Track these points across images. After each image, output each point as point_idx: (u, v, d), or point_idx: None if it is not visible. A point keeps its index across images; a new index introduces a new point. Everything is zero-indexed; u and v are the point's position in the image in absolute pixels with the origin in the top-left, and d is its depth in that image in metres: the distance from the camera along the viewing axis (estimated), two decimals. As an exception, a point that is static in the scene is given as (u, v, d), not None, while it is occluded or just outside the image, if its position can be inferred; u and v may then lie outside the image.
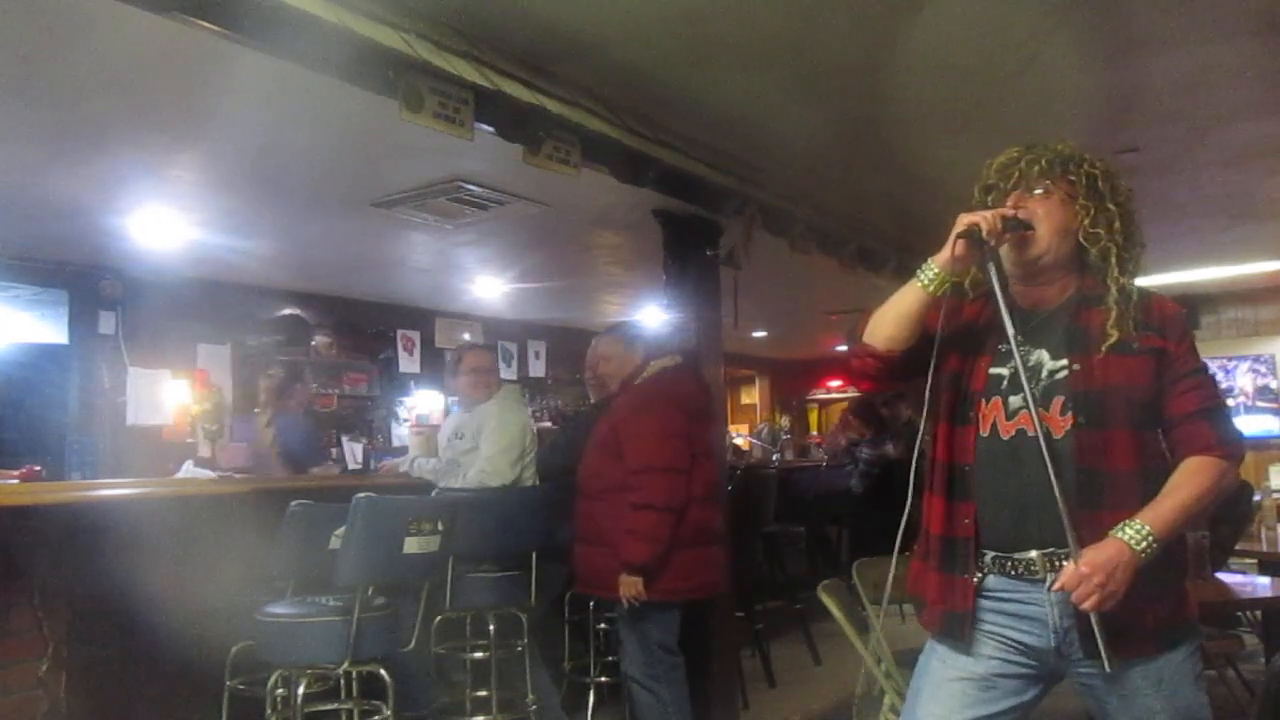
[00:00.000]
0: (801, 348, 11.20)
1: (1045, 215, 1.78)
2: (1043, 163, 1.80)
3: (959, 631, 1.78)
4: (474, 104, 3.02)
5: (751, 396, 12.75)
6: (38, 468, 3.76)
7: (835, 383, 12.63)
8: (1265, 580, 3.98)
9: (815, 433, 12.16)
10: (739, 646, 4.74)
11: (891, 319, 1.82)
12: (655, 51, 3.34)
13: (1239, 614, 4.24)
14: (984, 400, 1.79)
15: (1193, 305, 8.68)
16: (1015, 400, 1.75)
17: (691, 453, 3.42)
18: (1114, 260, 1.76)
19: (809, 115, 3.91)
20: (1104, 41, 3.32)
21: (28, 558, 2.97)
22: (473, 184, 4.48)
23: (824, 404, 13.19)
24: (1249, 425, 8.39)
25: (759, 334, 9.79)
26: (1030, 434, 1.69)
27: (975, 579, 1.77)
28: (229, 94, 3.32)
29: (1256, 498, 4.75)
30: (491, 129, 3.20)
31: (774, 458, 7.72)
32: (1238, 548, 4.40)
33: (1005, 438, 1.75)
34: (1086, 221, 1.78)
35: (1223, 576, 3.70)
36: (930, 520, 1.83)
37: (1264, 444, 8.12)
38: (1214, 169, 4.80)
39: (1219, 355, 8.60)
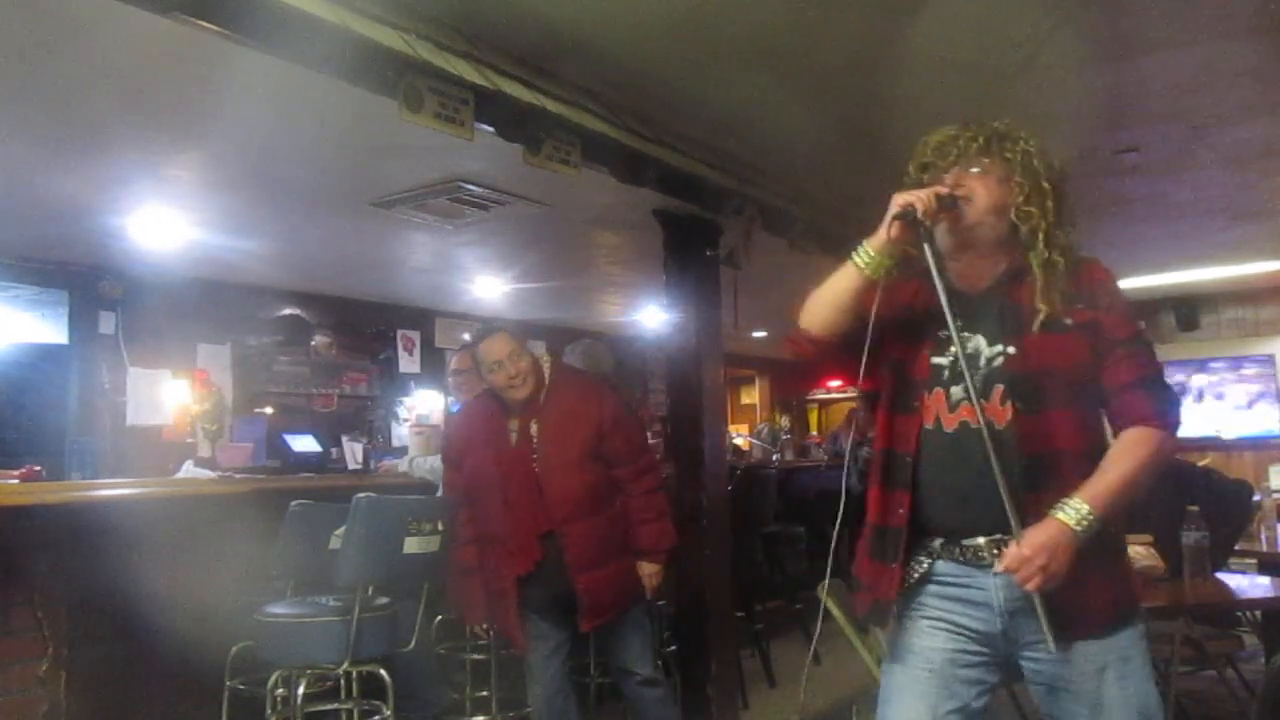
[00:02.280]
0: (801, 348, 11.18)
1: (984, 191, 1.77)
2: (981, 140, 1.79)
3: (883, 620, 1.82)
4: (474, 104, 3.02)
5: (751, 396, 12.75)
6: (38, 468, 3.76)
7: (835, 383, 12.64)
8: (1265, 580, 3.97)
9: (815, 433, 12.15)
10: (739, 646, 4.74)
11: (827, 303, 1.82)
12: (655, 51, 3.34)
13: (1239, 614, 4.23)
14: (926, 391, 1.79)
15: (1193, 305, 8.69)
16: (957, 391, 1.75)
17: None
18: (1041, 237, 1.75)
19: (809, 115, 3.91)
20: (1104, 41, 3.32)
21: (28, 558, 2.97)
22: (473, 184, 4.48)
23: (824, 404, 13.20)
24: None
25: (759, 334, 9.79)
26: (974, 425, 1.69)
27: (909, 565, 1.78)
28: (229, 94, 3.32)
29: (1256, 498, 4.74)
30: (491, 129, 3.20)
31: (774, 458, 7.71)
32: (1238, 548, 4.39)
33: (949, 430, 1.76)
34: (1020, 199, 1.76)
35: (1223, 576, 3.70)
36: (866, 507, 1.85)
37: (1264, 444, 8.13)
38: (1214, 169, 4.80)
39: (1219, 355, 8.60)
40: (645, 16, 3.07)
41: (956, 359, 1.71)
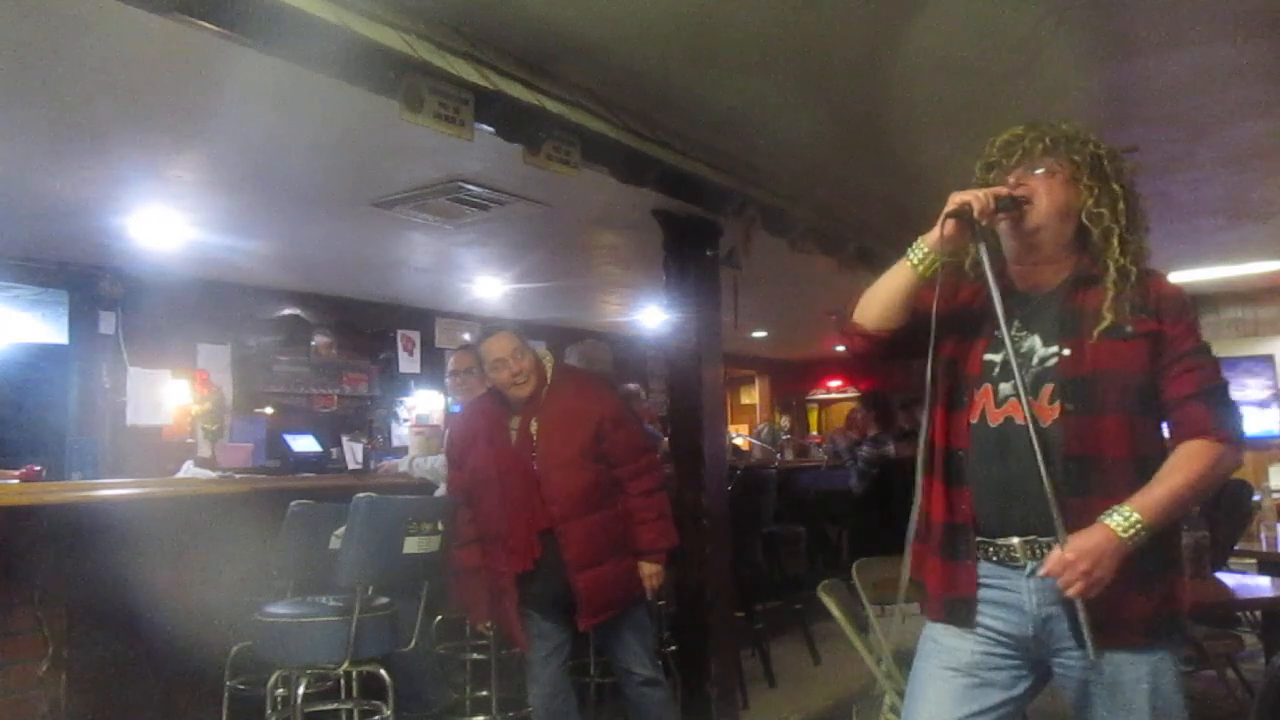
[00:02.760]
0: (801, 348, 11.20)
1: (1047, 193, 1.76)
2: (1046, 141, 1.78)
3: (964, 617, 1.76)
4: (474, 104, 3.02)
5: (751, 396, 12.74)
6: (38, 468, 3.76)
7: (835, 383, 12.64)
8: (1265, 580, 3.98)
9: (815, 433, 12.15)
10: (739, 646, 4.74)
11: (881, 299, 1.81)
12: (655, 51, 3.34)
13: (1239, 614, 4.24)
14: (976, 387, 1.78)
15: (1193, 305, 8.67)
16: (1005, 388, 1.74)
17: None
18: (1116, 241, 1.74)
19: (809, 115, 3.91)
20: (1104, 41, 3.32)
21: (28, 558, 2.97)
22: (473, 184, 4.48)
23: (824, 404, 13.19)
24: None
25: (759, 334, 9.79)
26: (1019, 422, 1.68)
27: (974, 562, 1.76)
28: (229, 94, 3.32)
29: (1256, 498, 4.75)
30: (491, 129, 3.19)
31: (775, 457, 7.71)
32: (1238, 548, 4.40)
33: (993, 425, 1.74)
34: (1090, 201, 1.75)
35: (1223, 576, 3.70)
36: (931, 506, 1.81)
37: (1264, 444, 8.12)
38: (1214, 169, 4.80)
39: (1219, 355, 8.58)
40: (645, 16, 3.07)
41: (1007, 357, 1.70)
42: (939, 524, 1.80)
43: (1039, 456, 1.62)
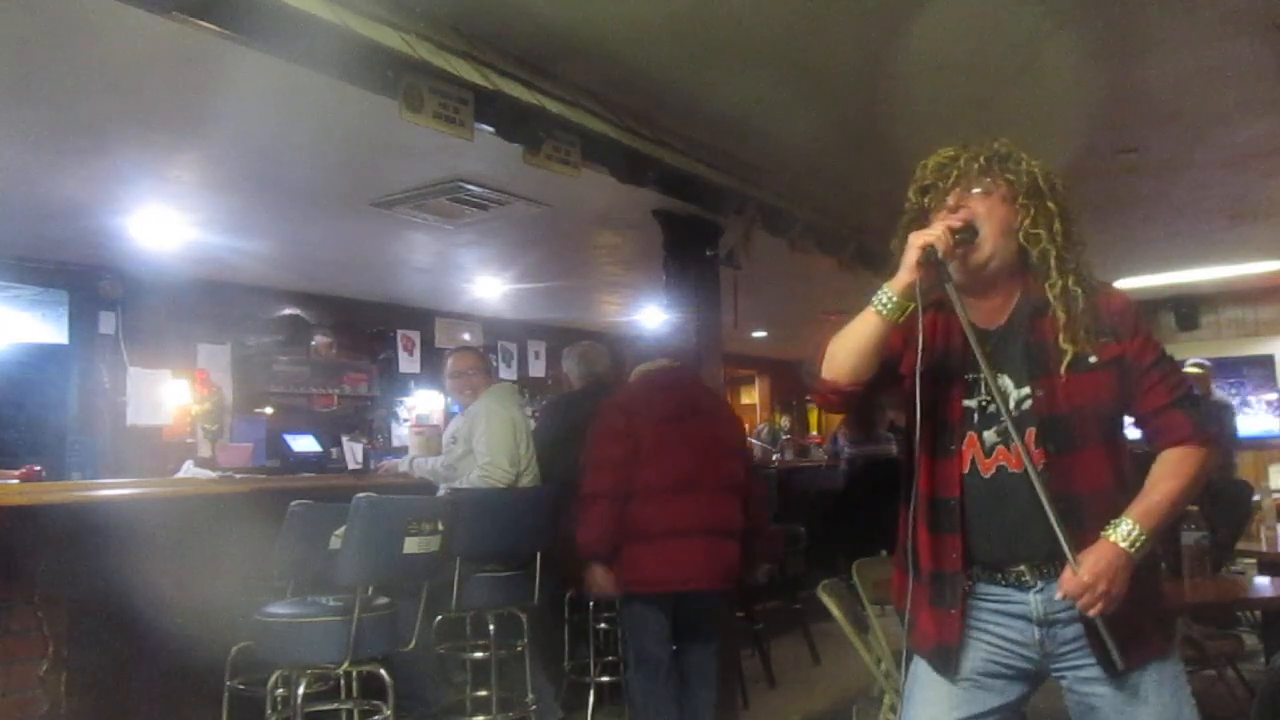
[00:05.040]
0: (801, 348, 11.19)
1: (987, 214, 1.73)
2: (982, 160, 1.75)
3: (947, 664, 1.77)
4: (474, 104, 3.02)
5: (751, 396, 12.74)
6: (38, 468, 3.76)
7: (835, 383, 12.61)
8: (1265, 580, 3.98)
9: (815, 433, 12.15)
10: (739, 646, 4.74)
11: (851, 351, 1.75)
12: (655, 51, 3.34)
13: (1239, 614, 4.24)
14: (961, 435, 1.75)
15: (1193, 305, 8.68)
16: (989, 435, 1.72)
17: (636, 448, 3.36)
18: (1053, 261, 1.71)
19: (809, 115, 3.91)
20: (1104, 42, 3.32)
21: (28, 558, 2.97)
22: (473, 184, 4.48)
23: (824, 404, 13.17)
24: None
25: (759, 334, 9.79)
26: (1011, 470, 1.68)
27: (961, 608, 1.75)
28: (229, 94, 3.32)
29: (1256, 498, 4.75)
30: (491, 129, 3.20)
31: (774, 457, 7.71)
32: (1238, 548, 4.40)
33: (986, 476, 1.73)
34: (1027, 222, 1.72)
35: (1222, 577, 3.70)
36: (919, 551, 1.79)
37: (1264, 444, 8.12)
38: (1214, 169, 4.80)
39: (1219, 355, 8.60)
40: (645, 16, 3.07)
41: (989, 401, 1.69)
42: (927, 570, 1.79)
43: (1045, 502, 1.60)
